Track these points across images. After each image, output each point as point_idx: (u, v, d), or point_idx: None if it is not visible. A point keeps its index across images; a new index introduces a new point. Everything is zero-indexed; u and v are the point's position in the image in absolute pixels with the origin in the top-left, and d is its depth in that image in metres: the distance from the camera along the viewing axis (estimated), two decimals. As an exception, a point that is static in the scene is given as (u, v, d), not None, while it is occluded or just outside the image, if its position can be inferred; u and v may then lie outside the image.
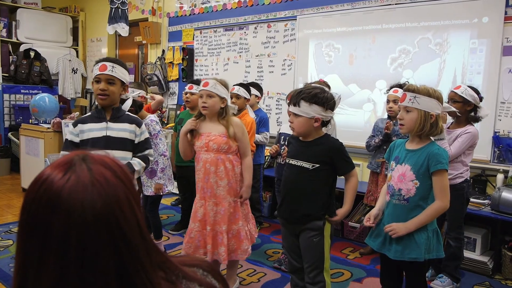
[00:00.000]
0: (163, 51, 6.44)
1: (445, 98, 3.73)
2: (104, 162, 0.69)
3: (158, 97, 4.25)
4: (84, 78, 7.81)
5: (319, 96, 2.17)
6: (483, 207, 3.38)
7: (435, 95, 2.04)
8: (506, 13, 3.59)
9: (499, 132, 3.64)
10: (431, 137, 2.11)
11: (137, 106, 3.27)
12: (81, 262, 0.62)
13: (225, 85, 2.66)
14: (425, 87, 2.06)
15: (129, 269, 0.66)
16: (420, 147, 2.09)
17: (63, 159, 0.69)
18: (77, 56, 7.81)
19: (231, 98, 3.51)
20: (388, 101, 3.44)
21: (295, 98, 2.20)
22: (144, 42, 6.72)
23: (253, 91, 3.97)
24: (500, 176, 3.54)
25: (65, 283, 0.62)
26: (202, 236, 2.66)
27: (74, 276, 0.62)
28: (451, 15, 3.87)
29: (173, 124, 4.31)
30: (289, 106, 2.31)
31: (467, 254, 3.23)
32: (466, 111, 2.95)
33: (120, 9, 4.80)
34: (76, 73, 7.61)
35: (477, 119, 2.97)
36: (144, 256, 0.68)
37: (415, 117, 2.04)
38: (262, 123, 4.02)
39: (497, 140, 3.63)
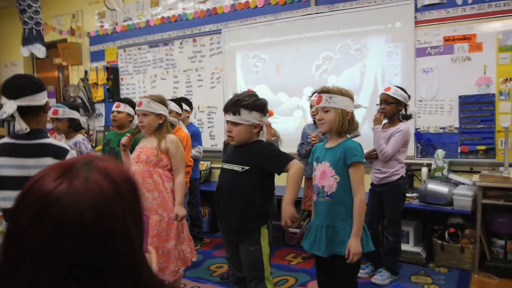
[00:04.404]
0: (86, 72, 6.17)
1: (367, 99, 3.95)
2: (106, 171, 0.63)
3: None
4: (0, 106, 7.26)
5: (257, 103, 2.19)
6: (412, 200, 3.56)
7: (347, 94, 2.18)
8: (415, 17, 3.85)
9: (419, 128, 3.87)
10: (347, 135, 2.21)
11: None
12: (58, 274, 0.57)
13: (160, 101, 2.65)
14: (338, 88, 2.19)
15: None
16: (337, 144, 2.18)
17: (65, 161, 0.65)
18: (-10, 83, 7.27)
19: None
20: (311, 106, 3.56)
21: (233, 107, 2.16)
22: (64, 64, 6.40)
23: (183, 106, 3.91)
24: (424, 170, 3.75)
25: (39, 285, 0.58)
26: None
27: (49, 281, 0.58)
28: (367, 21, 4.08)
29: (101, 147, 4.11)
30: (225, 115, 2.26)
31: (402, 246, 3.37)
32: (398, 110, 3.11)
33: (34, 30, 4.53)
34: (-10, 100, 7.07)
35: (408, 117, 3.16)
36: (130, 281, 0.63)
37: (333, 116, 2.14)
38: (194, 137, 3.96)
39: (419, 136, 3.86)
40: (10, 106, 1.82)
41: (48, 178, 0.62)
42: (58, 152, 1.88)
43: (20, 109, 1.84)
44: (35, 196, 0.61)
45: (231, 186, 2.23)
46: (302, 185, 3.72)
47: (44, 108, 1.94)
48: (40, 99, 1.90)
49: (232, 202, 2.21)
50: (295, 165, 2.14)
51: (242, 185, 2.19)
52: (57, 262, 0.58)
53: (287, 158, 2.16)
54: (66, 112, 3.24)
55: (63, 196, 0.59)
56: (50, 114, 3.21)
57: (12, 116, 1.85)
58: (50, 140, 1.93)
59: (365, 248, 2.11)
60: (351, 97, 2.18)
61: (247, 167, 2.18)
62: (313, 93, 3.58)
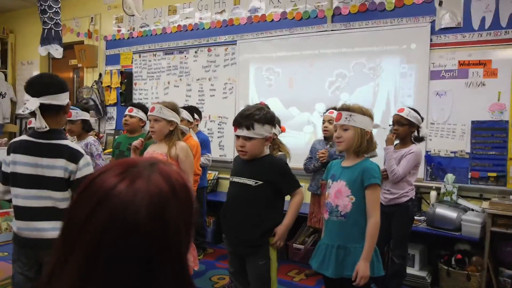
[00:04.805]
0: (100, 74, 6.23)
1: (379, 119, 3.93)
2: (168, 175, 0.66)
3: None
4: (14, 103, 7.36)
5: (268, 116, 2.20)
6: (420, 223, 3.51)
7: (368, 113, 2.15)
8: (431, 40, 3.85)
9: (430, 151, 3.84)
10: (364, 154, 2.18)
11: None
12: (109, 263, 0.60)
13: (173, 108, 2.66)
14: (358, 106, 2.16)
15: None
16: (355, 163, 2.14)
17: (130, 159, 0.68)
18: (6, 80, 7.36)
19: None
20: (323, 122, 3.55)
21: (246, 121, 2.15)
22: (79, 65, 6.47)
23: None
24: (433, 193, 3.71)
25: (88, 280, 0.60)
26: None
27: (99, 274, 0.60)
28: (382, 41, 4.09)
29: (111, 150, 4.13)
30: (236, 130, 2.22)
31: (407, 270, 3.32)
32: (410, 132, 3.09)
33: (53, 30, 4.60)
34: (5, 97, 7.15)
35: (421, 139, 3.14)
36: (174, 285, 0.65)
37: (352, 135, 2.10)
38: (203, 145, 3.96)
39: (429, 159, 3.83)
40: (33, 103, 1.84)
41: (111, 172, 0.64)
42: (73, 155, 1.90)
43: (42, 107, 1.86)
44: (97, 188, 0.63)
45: (243, 200, 2.21)
46: (308, 201, 3.73)
47: (64, 109, 1.97)
48: (62, 99, 1.92)
49: (244, 216, 2.20)
50: (301, 193, 2.26)
51: (255, 200, 2.18)
52: (110, 253, 0.60)
53: (298, 183, 2.26)
54: (79, 114, 3.29)
55: (125, 192, 0.62)
56: None
57: (32, 114, 1.88)
58: (67, 142, 1.95)
59: (376, 272, 2.07)
60: (371, 116, 2.15)
61: (260, 182, 2.18)
62: (327, 109, 3.59)
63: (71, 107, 3.34)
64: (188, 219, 0.68)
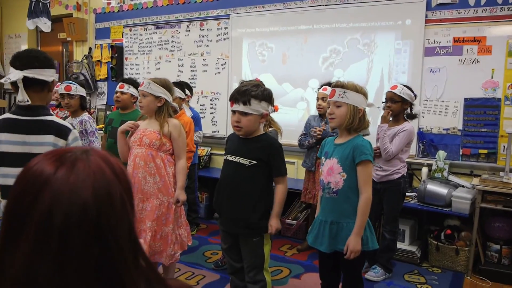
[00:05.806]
0: (90, 48, 6.12)
1: (372, 95, 3.92)
2: (106, 158, 0.68)
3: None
4: (1, 77, 7.22)
5: (265, 93, 2.19)
6: (411, 199, 3.56)
7: (362, 91, 2.15)
8: (426, 16, 3.81)
9: (423, 128, 3.86)
10: (357, 132, 2.18)
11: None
12: (61, 246, 0.60)
13: (163, 84, 2.62)
14: (353, 83, 2.15)
15: (114, 268, 0.64)
16: (346, 140, 2.15)
17: (64, 148, 0.69)
18: (-7, 54, 7.22)
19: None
20: (317, 99, 3.54)
21: (243, 96, 2.14)
22: (68, 39, 6.34)
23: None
24: (424, 170, 3.75)
25: (40, 263, 0.60)
26: None
27: (51, 258, 0.60)
28: (377, 17, 4.04)
29: (103, 125, 4.10)
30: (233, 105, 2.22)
31: (397, 244, 3.39)
32: (403, 109, 3.10)
33: (41, 3, 4.48)
34: (-8, 71, 7.03)
35: (414, 116, 3.15)
36: (131, 259, 0.66)
37: (345, 112, 2.10)
38: (194, 122, 3.93)
39: (421, 135, 3.85)
40: (16, 74, 1.80)
41: (47, 160, 0.65)
42: (60, 130, 1.87)
43: (25, 80, 1.81)
44: (37, 176, 0.63)
45: (237, 180, 2.21)
46: (303, 177, 3.75)
47: (49, 86, 1.92)
48: (47, 75, 1.88)
49: (238, 196, 2.20)
50: (285, 182, 2.27)
51: (249, 180, 2.18)
52: (61, 235, 0.60)
53: (286, 170, 2.27)
54: (79, 90, 3.33)
55: (67, 174, 0.62)
56: (62, 90, 3.25)
57: (15, 87, 1.83)
58: (53, 117, 1.91)
59: (370, 246, 2.10)
60: (365, 94, 2.15)
61: (254, 161, 2.18)
62: (321, 86, 3.57)
63: (71, 82, 3.34)
64: (130, 197, 0.69)
